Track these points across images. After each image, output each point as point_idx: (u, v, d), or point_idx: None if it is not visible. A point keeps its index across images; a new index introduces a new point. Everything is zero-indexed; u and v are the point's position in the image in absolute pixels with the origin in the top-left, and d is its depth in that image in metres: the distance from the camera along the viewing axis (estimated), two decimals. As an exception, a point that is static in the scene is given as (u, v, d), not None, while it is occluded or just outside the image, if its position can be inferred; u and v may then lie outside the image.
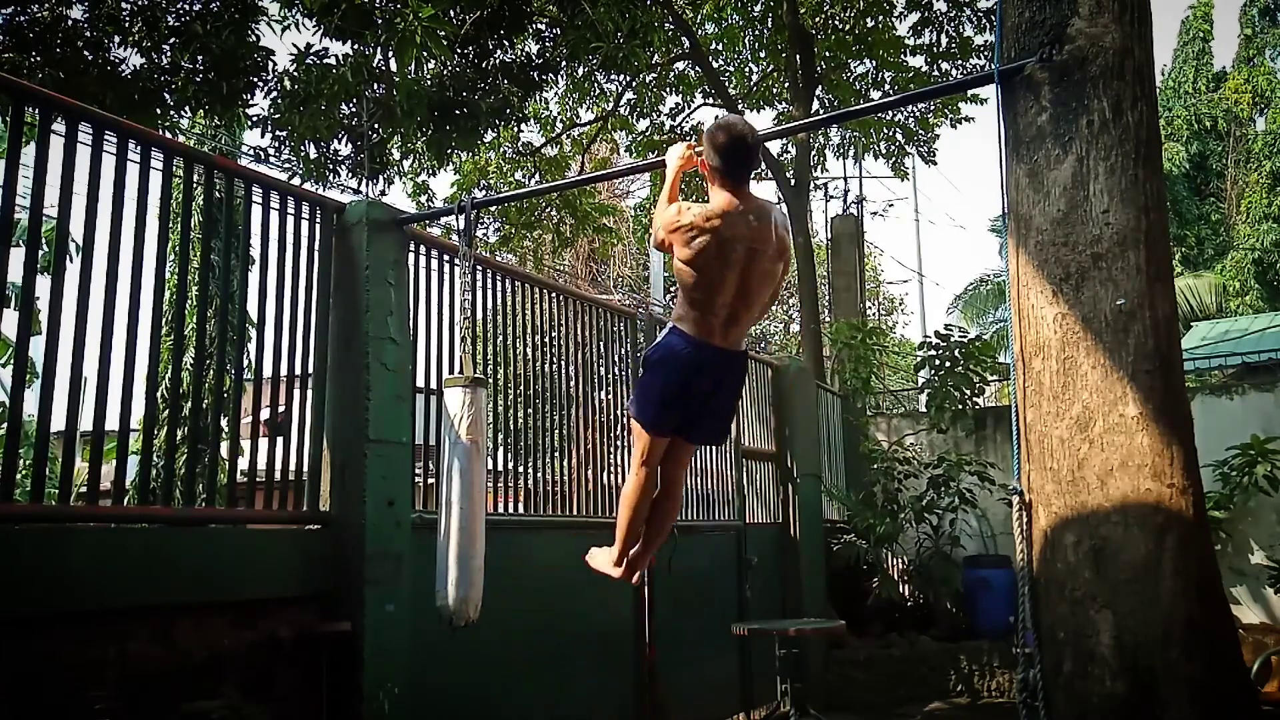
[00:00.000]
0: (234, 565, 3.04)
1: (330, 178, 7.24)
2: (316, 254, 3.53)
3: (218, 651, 2.90)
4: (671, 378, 3.02)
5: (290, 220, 3.44)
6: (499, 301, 4.30)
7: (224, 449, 4.36)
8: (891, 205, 44.13)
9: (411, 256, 3.79)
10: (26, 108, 2.72)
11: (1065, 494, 2.77)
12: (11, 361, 2.78)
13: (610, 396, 5.14)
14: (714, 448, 5.98)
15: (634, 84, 10.72)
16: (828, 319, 12.07)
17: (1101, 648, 2.66)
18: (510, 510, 4.43)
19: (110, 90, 5.82)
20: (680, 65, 10.98)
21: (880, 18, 10.44)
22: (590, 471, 4.81)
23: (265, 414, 3.56)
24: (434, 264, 3.95)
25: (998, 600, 6.63)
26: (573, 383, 4.77)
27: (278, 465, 3.34)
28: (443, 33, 5.40)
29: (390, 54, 5.84)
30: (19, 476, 3.18)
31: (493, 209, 11.23)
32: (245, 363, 3.38)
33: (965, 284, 23.66)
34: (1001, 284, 17.86)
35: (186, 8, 6.03)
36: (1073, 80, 2.86)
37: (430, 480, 3.63)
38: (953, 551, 7.17)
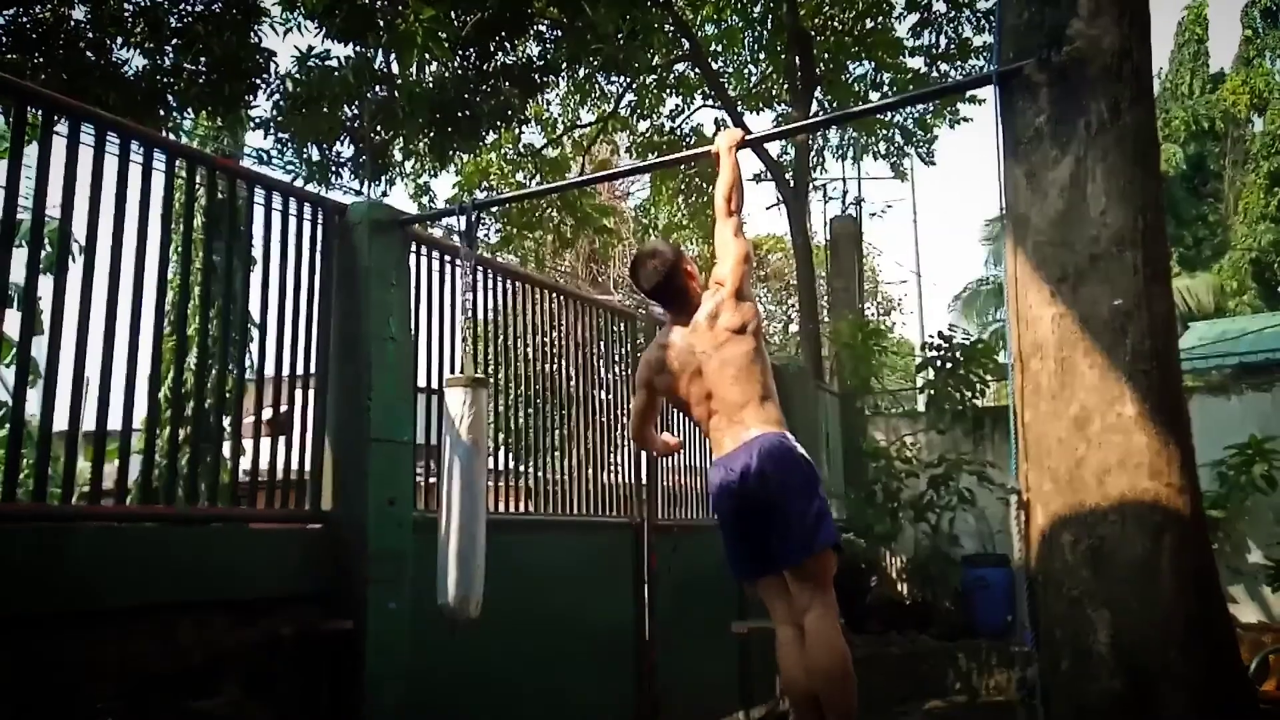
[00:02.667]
0: (236, 564, 3.05)
1: (332, 179, 7.26)
2: (318, 255, 3.54)
3: (219, 651, 2.91)
4: (720, 509, 2.93)
5: (292, 221, 3.45)
6: (499, 302, 4.31)
7: (226, 449, 4.37)
8: (890, 206, 44.13)
9: (413, 257, 3.80)
10: (29, 108, 2.73)
11: (1063, 493, 2.78)
12: (14, 361, 2.78)
13: (610, 396, 5.16)
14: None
15: (634, 85, 10.73)
16: (826, 319, 12.08)
17: (1099, 646, 2.67)
18: (510, 510, 4.44)
19: (113, 91, 5.83)
20: (680, 67, 10.98)
21: (879, 19, 10.45)
22: (590, 471, 4.82)
23: (267, 414, 3.57)
24: (435, 265, 3.97)
25: (996, 599, 6.64)
26: (573, 383, 4.78)
27: (279, 465, 3.35)
28: (444, 35, 5.42)
29: (392, 56, 5.86)
30: (21, 476, 3.19)
31: (494, 210, 11.24)
32: (247, 363, 3.40)
33: (964, 284, 23.66)
34: (998, 286, 17.88)
35: (189, 9, 6.04)
36: (1071, 82, 2.87)
37: (431, 480, 3.65)
38: (951, 551, 7.18)
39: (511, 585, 3.77)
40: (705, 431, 3.04)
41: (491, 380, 4.13)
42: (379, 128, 6.84)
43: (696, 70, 10.76)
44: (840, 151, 12.91)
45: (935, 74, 10.44)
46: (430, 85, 6.76)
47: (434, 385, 3.82)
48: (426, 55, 5.53)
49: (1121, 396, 2.72)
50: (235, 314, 3.29)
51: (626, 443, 5.16)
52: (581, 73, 9.34)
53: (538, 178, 11.29)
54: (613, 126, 11.61)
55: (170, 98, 6.19)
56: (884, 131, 11.81)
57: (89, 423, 2.79)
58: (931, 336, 7.97)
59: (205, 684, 2.88)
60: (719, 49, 11.26)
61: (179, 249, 3.10)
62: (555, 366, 4.65)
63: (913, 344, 18.14)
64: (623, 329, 5.30)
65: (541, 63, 7.26)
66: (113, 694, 2.66)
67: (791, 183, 10.12)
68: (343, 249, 3.58)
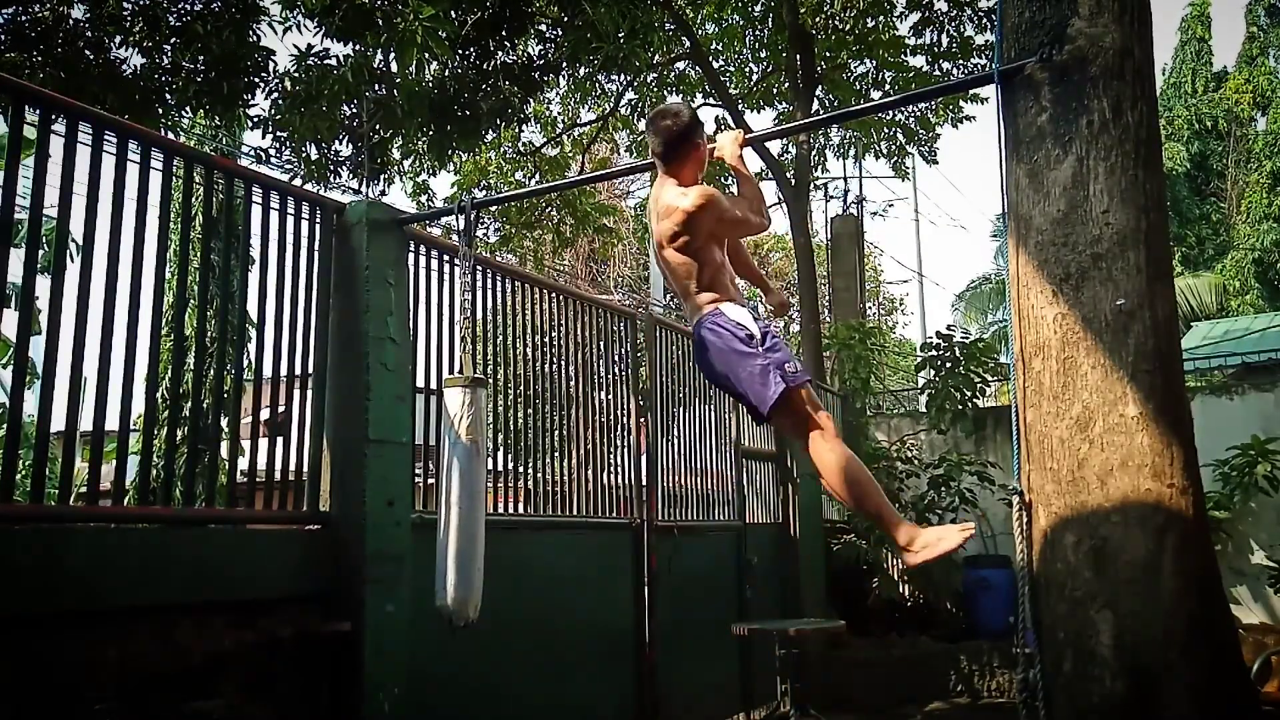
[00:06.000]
0: (234, 565, 3.04)
1: (331, 178, 7.24)
2: (316, 254, 3.53)
3: (218, 652, 2.90)
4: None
5: (290, 220, 3.43)
6: (499, 301, 4.30)
7: (224, 449, 4.37)
8: (891, 205, 44.09)
9: (411, 257, 3.79)
10: (27, 107, 2.71)
11: (1065, 494, 2.77)
12: (11, 362, 2.77)
13: (610, 396, 5.14)
14: (714, 447, 5.99)
15: (635, 84, 10.71)
16: (828, 319, 12.07)
17: (1102, 648, 2.66)
18: (510, 510, 4.43)
19: (111, 90, 5.82)
20: (681, 65, 10.97)
21: (880, 17, 10.43)
22: (590, 472, 4.81)
23: (265, 414, 3.56)
24: (434, 264, 3.95)
25: (998, 600, 6.63)
26: (573, 383, 4.76)
27: (278, 465, 3.34)
28: (444, 33, 5.40)
29: (391, 55, 5.84)
30: (19, 477, 3.18)
31: (493, 209, 11.23)
32: (245, 363, 3.38)
33: (967, 282, 23.66)
34: (1002, 282, 17.85)
35: (187, 8, 6.03)
36: (1073, 80, 2.86)
37: (430, 480, 3.63)
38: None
39: (511, 586, 3.76)
40: None
41: (491, 380, 4.12)
42: (378, 126, 6.82)
43: (697, 69, 10.75)
44: (841, 150, 12.89)
45: (937, 72, 10.42)
46: (429, 84, 6.74)
47: (433, 385, 3.81)
48: (426, 54, 5.51)
49: (1124, 397, 2.70)
50: (233, 314, 3.28)
51: (626, 443, 5.15)
52: (582, 71, 9.31)
53: (537, 176, 11.27)
54: (613, 125, 11.59)
55: (168, 96, 6.17)
56: (886, 130, 11.79)
57: (86, 423, 2.78)
58: (930, 336, 7.97)
59: (205, 684, 2.87)
60: (720, 47, 11.25)
61: (177, 248, 3.08)
62: (555, 366, 4.64)
63: (914, 344, 18.14)
64: (623, 329, 5.29)
65: (542, 61, 7.25)
66: (112, 694, 2.65)
67: (792, 181, 10.10)
68: (341, 248, 3.57)
